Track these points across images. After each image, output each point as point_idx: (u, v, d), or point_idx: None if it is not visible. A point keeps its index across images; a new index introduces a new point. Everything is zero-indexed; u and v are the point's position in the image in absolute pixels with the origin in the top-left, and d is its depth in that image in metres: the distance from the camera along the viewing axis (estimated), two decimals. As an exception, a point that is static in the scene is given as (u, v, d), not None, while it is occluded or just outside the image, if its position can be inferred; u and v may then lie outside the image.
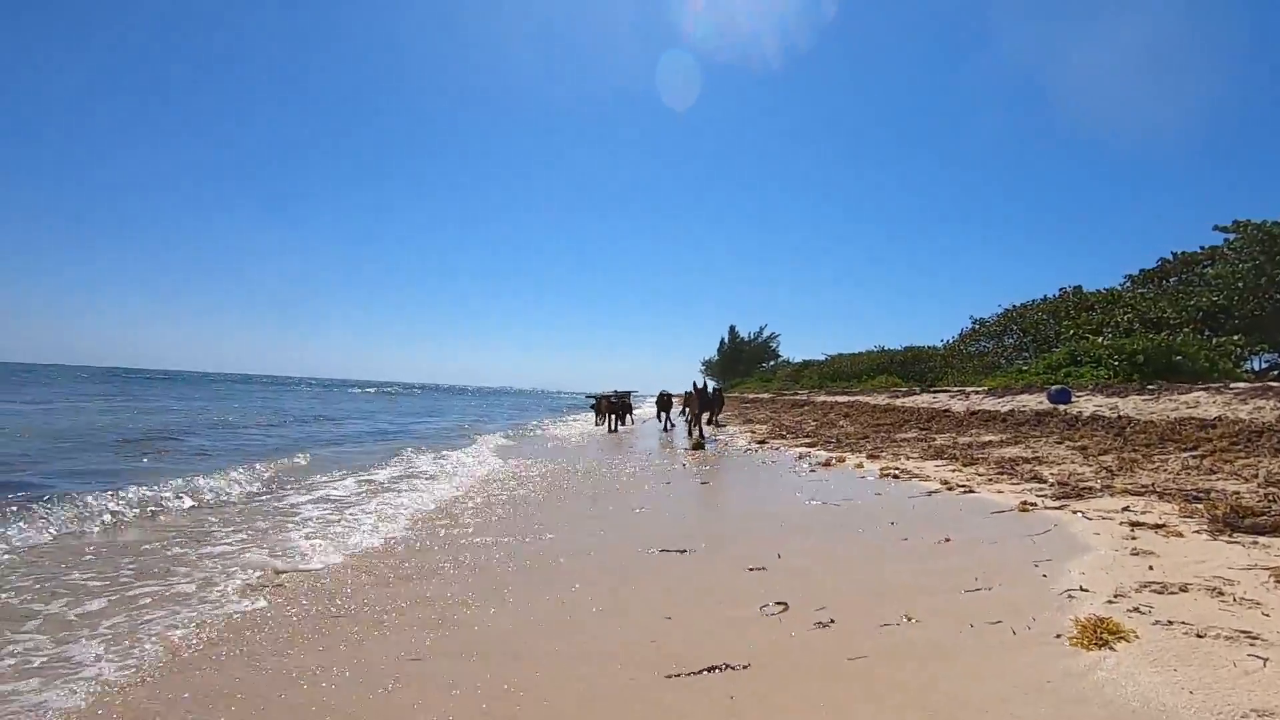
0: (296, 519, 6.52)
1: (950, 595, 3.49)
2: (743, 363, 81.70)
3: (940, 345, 36.70)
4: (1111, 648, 2.57)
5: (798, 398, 37.89)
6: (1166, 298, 23.73)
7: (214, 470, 8.92)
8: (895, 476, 7.94)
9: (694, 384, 18.10)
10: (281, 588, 4.19)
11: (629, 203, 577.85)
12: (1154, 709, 2.12)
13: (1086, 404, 13.43)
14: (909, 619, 3.15)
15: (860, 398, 27.40)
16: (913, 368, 37.04)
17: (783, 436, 15.66)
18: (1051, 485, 6.41)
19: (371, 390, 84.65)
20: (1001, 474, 7.35)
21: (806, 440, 13.93)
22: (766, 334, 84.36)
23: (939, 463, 8.84)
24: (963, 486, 6.79)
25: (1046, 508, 5.48)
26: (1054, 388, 15.62)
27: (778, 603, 3.49)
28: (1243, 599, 3.03)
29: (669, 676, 2.64)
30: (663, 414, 23.32)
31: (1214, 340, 20.21)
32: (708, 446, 14.00)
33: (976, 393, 19.91)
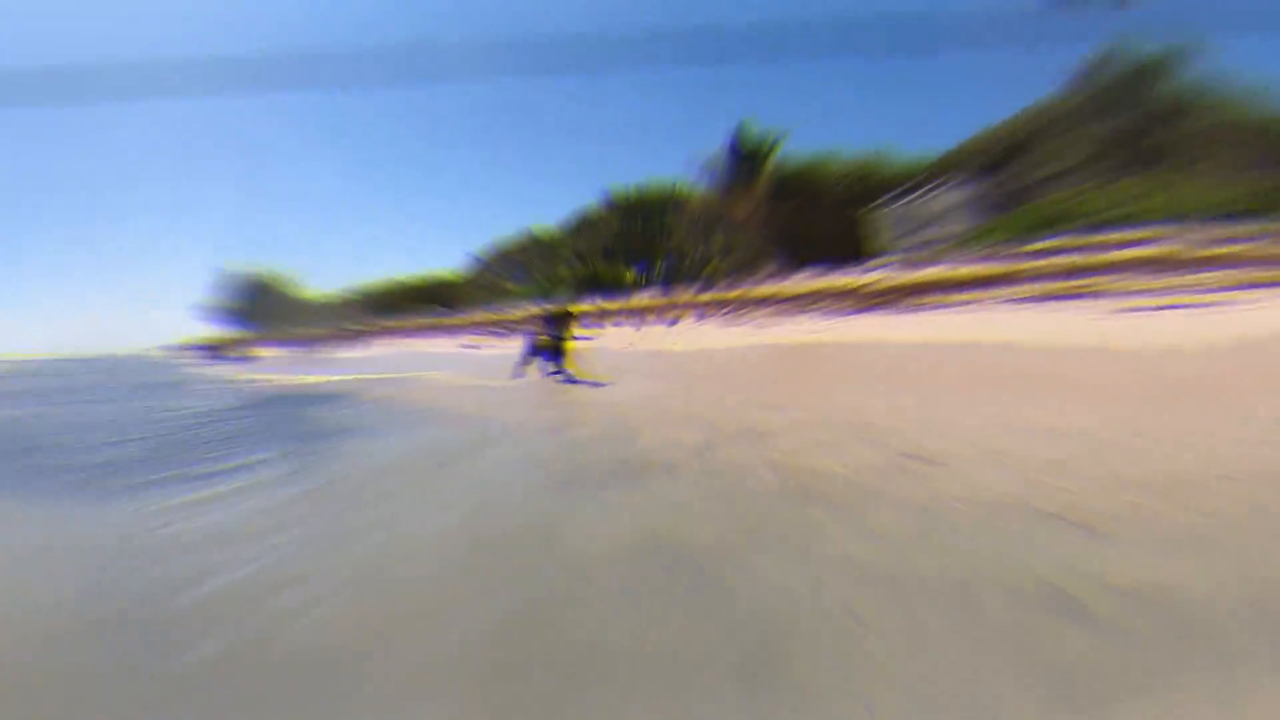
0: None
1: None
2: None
3: (452, 273, 43.61)
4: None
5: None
6: (582, 238, 36.30)
7: None
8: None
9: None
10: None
11: None
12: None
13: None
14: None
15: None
16: (438, 295, 42.76)
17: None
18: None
19: None
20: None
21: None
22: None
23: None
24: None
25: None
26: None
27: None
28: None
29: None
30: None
31: (612, 266, 32.84)
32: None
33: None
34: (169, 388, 11.72)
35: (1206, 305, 7.51)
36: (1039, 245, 13.40)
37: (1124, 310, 7.93)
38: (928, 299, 11.34)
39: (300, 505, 3.14)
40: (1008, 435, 3.44)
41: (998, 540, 2.12)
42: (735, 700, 1.46)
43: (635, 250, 34.52)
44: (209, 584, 2.22)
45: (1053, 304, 8.84)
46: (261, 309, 71.48)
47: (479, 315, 27.56)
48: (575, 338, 8.67)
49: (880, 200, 27.00)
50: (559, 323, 8.57)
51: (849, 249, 30.62)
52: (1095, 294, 8.89)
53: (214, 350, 33.59)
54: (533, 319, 13.66)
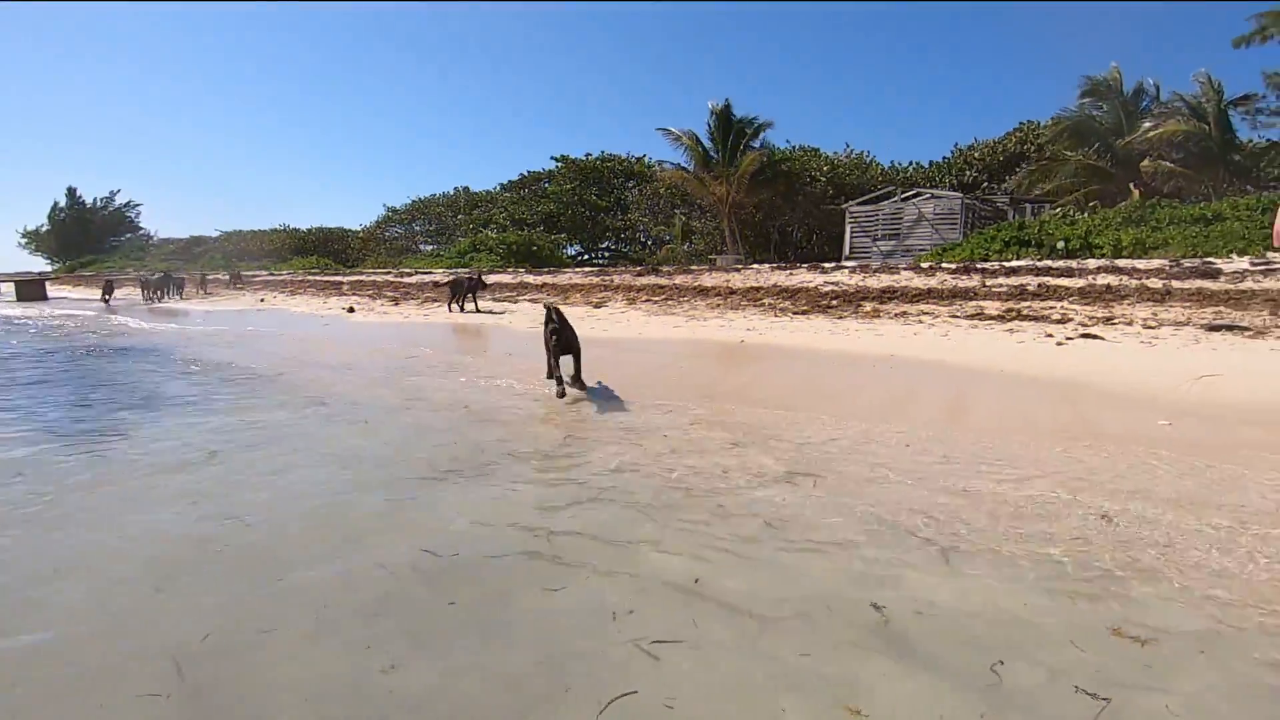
0: None
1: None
2: (92, 235, 65.07)
3: (358, 228, 40.14)
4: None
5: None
6: (524, 203, 33.50)
7: None
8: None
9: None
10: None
11: None
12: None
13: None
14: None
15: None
16: (330, 248, 39.40)
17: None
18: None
19: None
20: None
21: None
22: (122, 201, 68.79)
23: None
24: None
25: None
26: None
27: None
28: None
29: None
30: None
31: (551, 236, 30.45)
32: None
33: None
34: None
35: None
36: (1009, 265, 12.19)
37: (1070, 338, 7.18)
38: (884, 308, 9.68)
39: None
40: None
41: None
42: None
43: (582, 223, 32.20)
44: None
45: (1011, 324, 8.09)
46: (85, 243, 66.23)
47: (379, 275, 25.00)
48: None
49: (857, 201, 25.46)
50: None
51: (818, 247, 29.12)
52: (1050, 320, 8.11)
53: (27, 285, 27.89)
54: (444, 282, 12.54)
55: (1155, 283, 9.36)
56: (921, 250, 20.40)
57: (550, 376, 5.66)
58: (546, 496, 3.02)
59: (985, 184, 28.13)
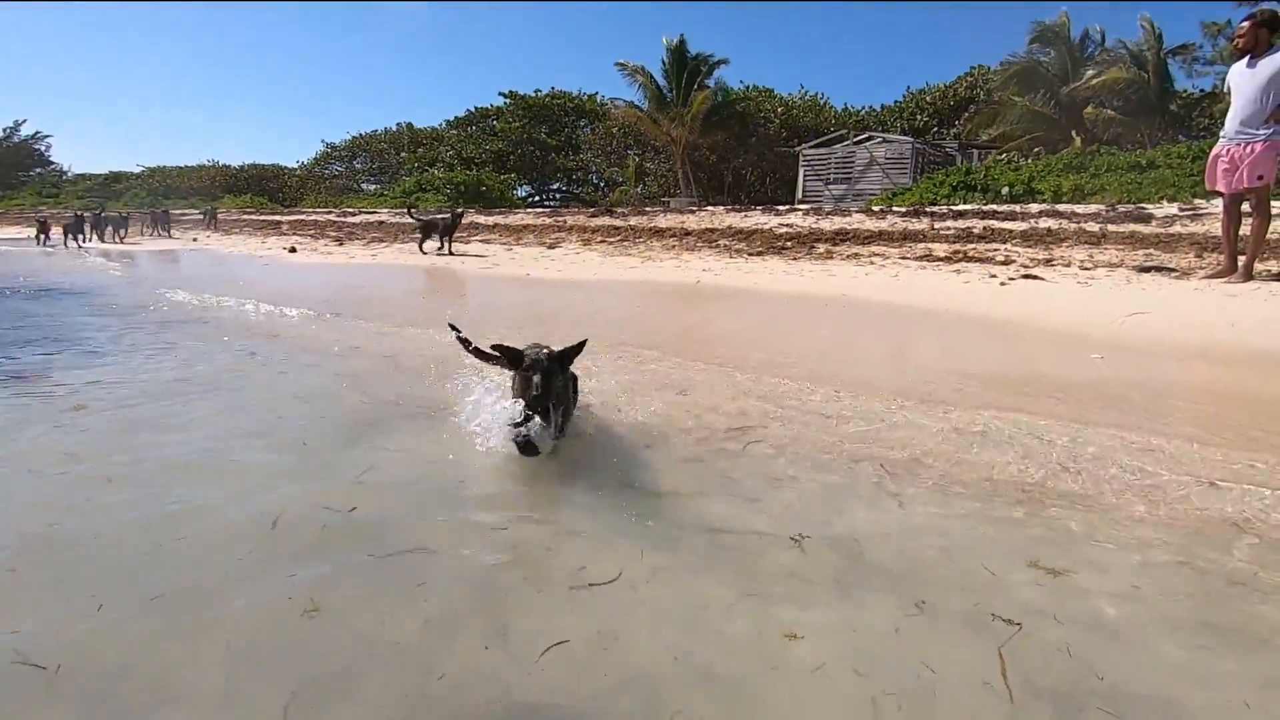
0: None
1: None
2: (-6, 169, 59.59)
3: (295, 165, 37.92)
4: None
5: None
6: (472, 141, 32.16)
7: None
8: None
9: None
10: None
11: None
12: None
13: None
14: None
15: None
16: (265, 186, 37.25)
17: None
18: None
19: None
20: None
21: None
22: (29, 132, 62.96)
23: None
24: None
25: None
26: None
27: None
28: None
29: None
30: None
31: (501, 176, 29.44)
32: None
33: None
34: None
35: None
36: (956, 209, 12.42)
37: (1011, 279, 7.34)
38: (837, 249, 9.78)
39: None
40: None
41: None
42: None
43: (532, 163, 31.19)
44: None
45: (958, 266, 8.27)
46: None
47: (320, 215, 23.90)
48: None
49: (810, 145, 25.35)
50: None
51: (771, 189, 29.03)
52: (994, 262, 8.36)
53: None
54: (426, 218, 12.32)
55: (1092, 227, 9.69)
56: (872, 194, 20.57)
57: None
58: (451, 441, 2.93)
59: (935, 129, 28.34)
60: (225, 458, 2.69)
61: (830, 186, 24.10)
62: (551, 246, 13.05)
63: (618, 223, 15.43)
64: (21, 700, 1.34)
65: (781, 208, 15.66)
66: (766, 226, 12.59)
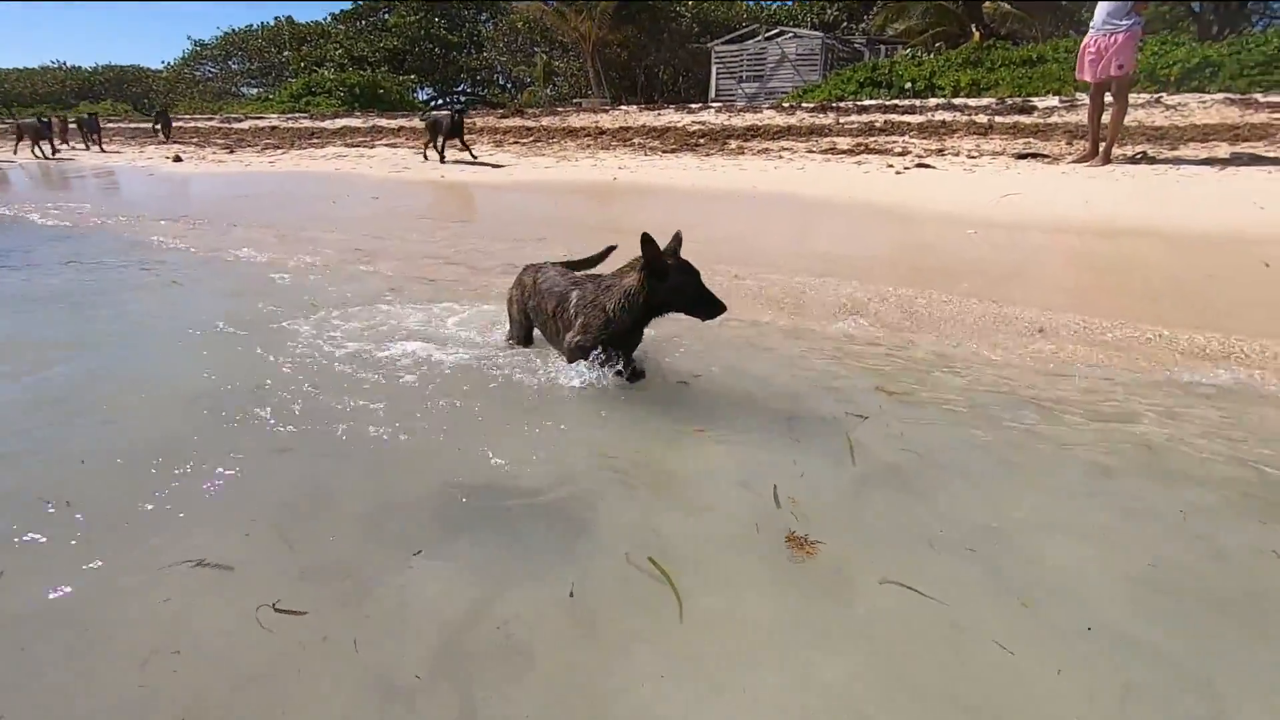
0: None
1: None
2: None
3: (161, 67, 33.62)
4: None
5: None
6: (363, 37, 29.44)
7: None
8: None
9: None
10: None
11: None
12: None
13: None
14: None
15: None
16: (126, 91, 33.08)
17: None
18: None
19: None
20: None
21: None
22: None
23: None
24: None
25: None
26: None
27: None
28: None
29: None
30: None
31: (399, 78, 27.34)
32: None
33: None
34: None
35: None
36: (861, 104, 12.72)
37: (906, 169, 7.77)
38: (748, 145, 9.94)
39: None
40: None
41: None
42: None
43: (433, 62, 29.00)
44: None
45: (859, 158, 8.61)
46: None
47: (201, 122, 21.74)
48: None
49: (722, 40, 24.73)
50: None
51: (685, 89, 28.38)
52: (893, 154, 8.72)
53: None
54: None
55: (982, 119, 10.24)
56: (784, 92, 20.56)
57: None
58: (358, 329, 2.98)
59: (845, 23, 28.15)
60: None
61: (743, 85, 23.83)
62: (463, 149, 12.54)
63: (529, 123, 14.90)
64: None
65: (695, 105, 15.50)
66: (680, 124, 12.52)
